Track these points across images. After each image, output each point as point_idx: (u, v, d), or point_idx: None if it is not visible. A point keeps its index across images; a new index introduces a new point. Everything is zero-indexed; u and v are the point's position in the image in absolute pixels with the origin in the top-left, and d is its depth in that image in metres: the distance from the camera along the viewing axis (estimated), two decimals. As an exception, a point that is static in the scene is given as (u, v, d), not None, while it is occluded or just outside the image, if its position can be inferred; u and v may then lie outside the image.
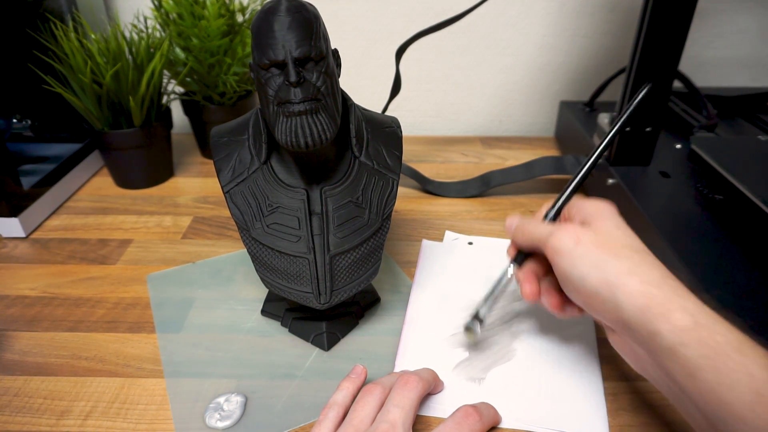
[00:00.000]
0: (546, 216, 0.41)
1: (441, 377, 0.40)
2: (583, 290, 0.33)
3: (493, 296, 0.41)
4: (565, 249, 0.34)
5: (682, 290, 0.30)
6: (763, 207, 0.46)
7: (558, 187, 0.69)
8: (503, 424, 0.37)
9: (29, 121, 0.73)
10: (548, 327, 0.45)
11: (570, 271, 0.34)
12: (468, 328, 0.40)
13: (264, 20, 0.35)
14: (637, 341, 0.31)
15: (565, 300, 0.38)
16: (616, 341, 0.35)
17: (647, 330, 0.30)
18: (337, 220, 0.40)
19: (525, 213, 0.64)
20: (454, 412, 0.35)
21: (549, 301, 0.39)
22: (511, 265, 0.41)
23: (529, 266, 0.40)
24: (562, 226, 0.36)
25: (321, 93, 0.36)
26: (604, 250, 0.33)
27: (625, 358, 0.35)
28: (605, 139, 0.42)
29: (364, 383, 0.38)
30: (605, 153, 0.61)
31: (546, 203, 0.42)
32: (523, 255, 0.41)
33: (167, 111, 0.70)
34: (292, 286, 0.40)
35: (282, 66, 0.35)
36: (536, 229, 0.38)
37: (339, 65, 0.40)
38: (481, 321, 0.40)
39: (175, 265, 0.54)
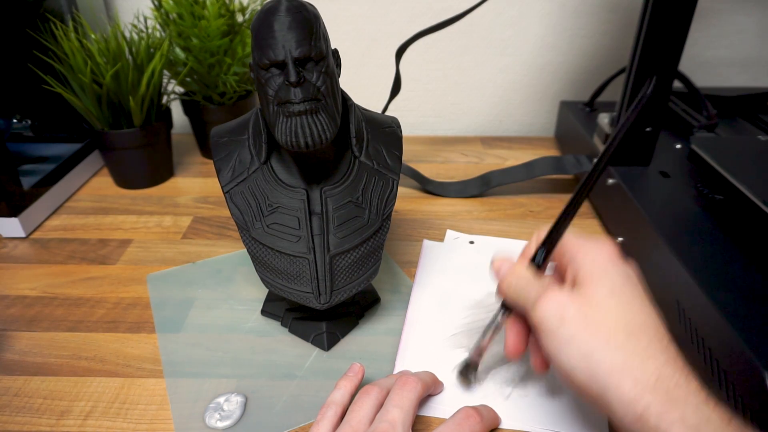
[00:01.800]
0: (534, 258, 0.35)
1: (441, 378, 0.40)
2: (572, 381, 0.30)
3: (483, 342, 0.37)
4: (550, 328, 0.30)
5: (681, 390, 0.26)
6: (763, 207, 0.46)
7: (558, 187, 0.69)
8: (503, 425, 0.37)
9: (29, 121, 0.73)
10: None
11: (556, 355, 0.30)
12: (462, 374, 0.39)
13: (264, 20, 0.35)
14: None
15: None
16: None
17: None
18: (337, 220, 0.40)
19: (525, 213, 0.64)
20: (454, 413, 0.35)
21: (534, 360, 0.35)
22: (502, 311, 0.36)
23: (518, 316, 0.36)
24: (547, 295, 0.31)
25: (321, 93, 0.36)
26: (593, 335, 0.28)
27: None
28: (607, 146, 0.37)
29: (362, 381, 0.38)
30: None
31: (538, 232, 0.36)
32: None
33: (167, 111, 0.70)
34: (292, 286, 0.40)
35: (282, 66, 0.35)
36: (521, 290, 0.33)
37: (339, 65, 0.39)
38: (474, 368, 0.39)
39: (175, 265, 0.54)
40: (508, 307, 0.36)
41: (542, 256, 0.34)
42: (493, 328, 0.37)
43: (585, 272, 0.31)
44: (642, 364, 0.27)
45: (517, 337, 0.35)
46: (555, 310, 0.30)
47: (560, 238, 0.34)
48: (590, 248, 0.32)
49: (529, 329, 0.35)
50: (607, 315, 0.29)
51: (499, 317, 0.36)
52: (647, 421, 0.26)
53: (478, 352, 0.38)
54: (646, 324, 0.29)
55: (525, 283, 0.33)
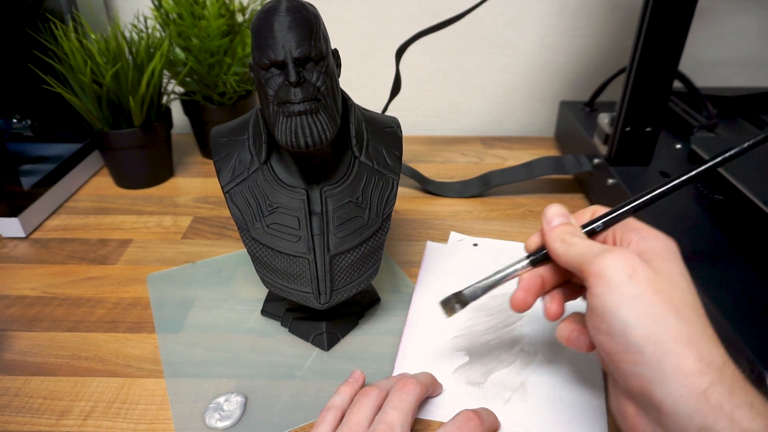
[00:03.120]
0: (588, 226, 0.34)
1: (441, 380, 0.40)
2: (621, 340, 0.27)
3: (488, 284, 0.36)
4: (615, 280, 0.27)
5: (744, 381, 0.25)
6: (763, 207, 0.46)
7: (558, 187, 0.69)
8: (502, 429, 0.37)
9: (29, 121, 0.73)
10: (549, 330, 0.45)
11: (613, 310, 0.27)
12: (446, 304, 0.37)
13: (264, 20, 0.35)
14: (667, 429, 0.26)
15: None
16: (621, 406, 0.29)
17: (696, 423, 0.24)
18: (337, 220, 0.40)
19: (525, 213, 0.64)
20: (454, 416, 0.35)
21: (569, 330, 0.34)
22: (527, 261, 0.35)
23: (552, 277, 0.34)
24: (617, 250, 0.29)
25: (321, 93, 0.36)
26: (664, 300, 0.26)
27: (622, 426, 0.29)
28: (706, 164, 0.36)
29: (362, 387, 0.38)
30: (606, 153, 0.61)
31: (595, 208, 0.35)
32: (543, 257, 0.34)
33: (167, 111, 0.70)
34: (292, 286, 0.40)
35: (282, 66, 0.35)
36: (582, 244, 0.31)
37: (339, 65, 0.39)
38: (464, 302, 0.36)
39: (175, 265, 0.54)
40: (535, 261, 0.34)
41: (600, 227, 0.33)
42: (505, 274, 0.35)
43: (655, 251, 0.29)
44: (709, 344, 0.26)
45: (530, 291, 0.34)
46: (625, 265, 0.28)
47: (624, 217, 0.33)
48: (660, 236, 0.31)
49: (543, 287, 0.34)
50: (678, 289, 0.27)
51: (520, 267, 0.35)
52: (709, 397, 0.24)
53: (476, 291, 0.36)
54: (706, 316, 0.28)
55: (584, 240, 0.32)
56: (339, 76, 0.39)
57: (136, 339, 0.45)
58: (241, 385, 0.41)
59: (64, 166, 0.66)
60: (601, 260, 0.28)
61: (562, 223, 0.33)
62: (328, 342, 0.44)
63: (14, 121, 0.72)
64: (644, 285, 0.27)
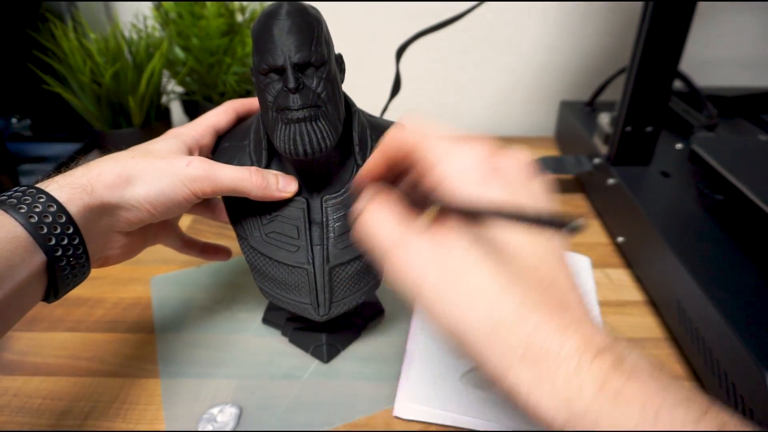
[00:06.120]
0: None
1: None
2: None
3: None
4: (410, 294, 0.25)
5: (551, 359, 0.22)
6: (764, 207, 0.46)
7: (558, 187, 0.69)
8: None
9: (29, 121, 0.73)
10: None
11: (426, 321, 0.25)
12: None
13: (264, 24, 0.34)
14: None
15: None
16: None
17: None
18: (337, 231, 0.39)
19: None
20: None
21: None
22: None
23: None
24: (400, 252, 0.25)
25: (321, 99, 0.35)
26: (458, 297, 0.23)
27: None
28: None
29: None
30: (606, 153, 0.61)
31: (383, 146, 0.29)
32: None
33: (167, 111, 0.70)
34: (290, 297, 0.39)
35: (281, 71, 0.34)
36: (370, 236, 0.27)
37: (343, 71, 0.38)
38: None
39: (175, 265, 0.54)
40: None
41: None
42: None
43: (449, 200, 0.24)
44: (511, 329, 0.22)
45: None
46: (412, 277, 0.24)
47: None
48: (454, 159, 0.25)
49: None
50: (473, 268, 0.23)
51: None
52: (518, 394, 0.22)
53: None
54: (524, 266, 0.23)
55: (380, 225, 0.26)
56: (342, 82, 0.38)
57: (135, 339, 0.45)
58: (239, 391, 0.40)
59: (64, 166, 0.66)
60: (388, 269, 0.25)
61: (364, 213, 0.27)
62: (327, 354, 0.43)
63: (14, 120, 0.72)
64: (435, 292, 0.24)
